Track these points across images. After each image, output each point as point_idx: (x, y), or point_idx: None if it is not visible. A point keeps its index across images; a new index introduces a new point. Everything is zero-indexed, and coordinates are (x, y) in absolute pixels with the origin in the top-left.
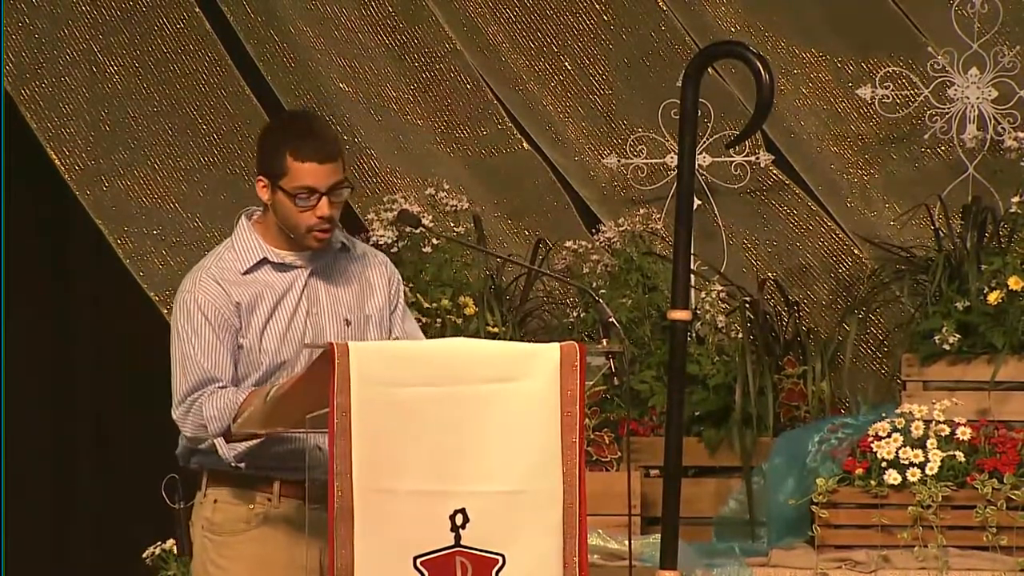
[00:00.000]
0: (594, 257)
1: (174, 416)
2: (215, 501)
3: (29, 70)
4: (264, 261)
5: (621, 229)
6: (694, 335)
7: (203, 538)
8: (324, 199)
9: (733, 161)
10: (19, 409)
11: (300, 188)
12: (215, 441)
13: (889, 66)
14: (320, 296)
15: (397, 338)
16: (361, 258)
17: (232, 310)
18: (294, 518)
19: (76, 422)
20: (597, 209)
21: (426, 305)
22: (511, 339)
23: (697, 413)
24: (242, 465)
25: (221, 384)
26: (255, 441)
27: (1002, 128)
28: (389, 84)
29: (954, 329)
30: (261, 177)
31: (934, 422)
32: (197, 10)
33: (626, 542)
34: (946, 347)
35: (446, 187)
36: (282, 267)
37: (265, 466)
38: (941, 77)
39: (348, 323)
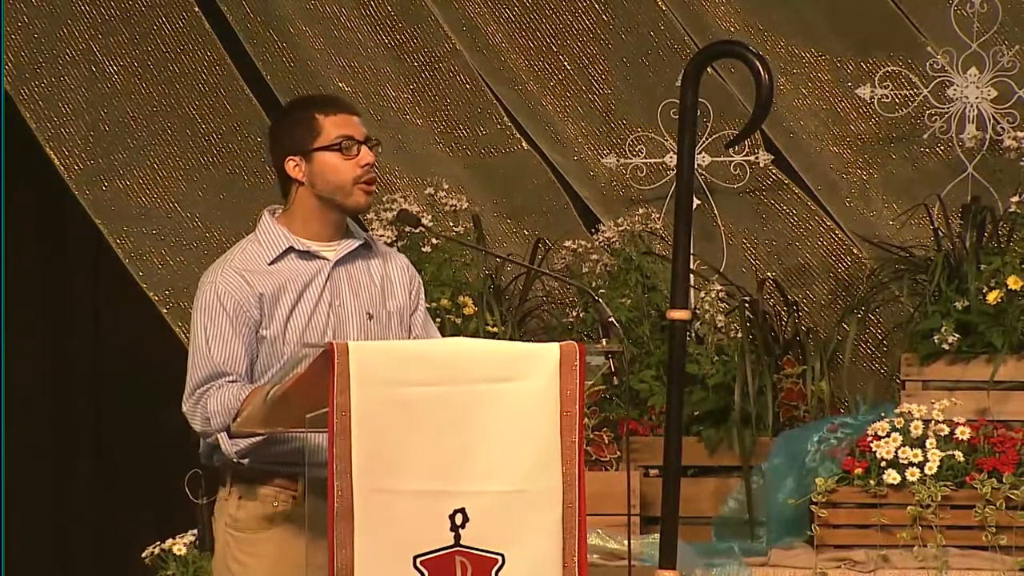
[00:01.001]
0: (593, 257)
1: (184, 409)
2: (240, 498)
3: (28, 70)
4: (290, 250)
5: (620, 229)
6: (693, 335)
7: (226, 535)
8: (364, 147)
9: (732, 161)
10: (19, 409)
11: (341, 136)
12: (218, 436)
13: (888, 66)
14: (343, 288)
15: (417, 338)
16: (383, 256)
17: (254, 302)
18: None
19: (76, 422)
20: (596, 209)
21: (425, 305)
22: (510, 339)
23: (696, 413)
24: (244, 461)
25: (231, 379)
26: (257, 438)
27: (1001, 128)
28: (388, 84)
29: (953, 329)
30: (291, 158)
31: (933, 422)
32: (196, 10)
33: (625, 542)
34: (945, 347)
35: (445, 187)
36: (307, 255)
37: (290, 462)
38: (940, 77)
39: (370, 317)
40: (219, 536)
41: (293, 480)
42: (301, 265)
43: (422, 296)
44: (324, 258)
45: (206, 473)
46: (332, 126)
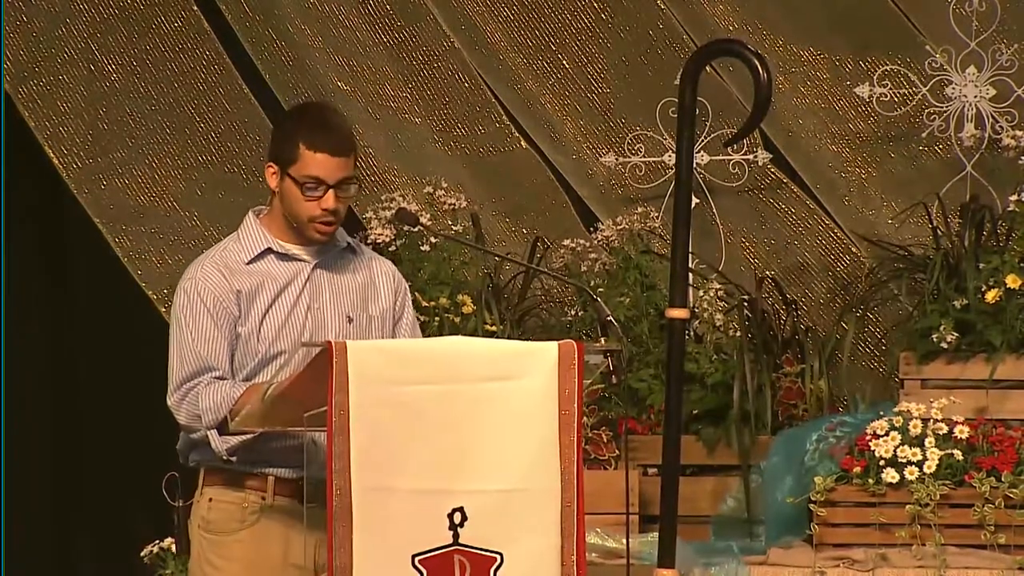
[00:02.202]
0: (592, 255)
1: (169, 403)
2: (211, 500)
3: (27, 69)
4: (268, 251)
5: (619, 227)
6: (692, 333)
7: (200, 537)
8: (331, 192)
9: (731, 159)
10: (18, 408)
11: (309, 178)
12: (208, 433)
13: (887, 64)
14: (323, 291)
15: None
16: (368, 261)
17: (232, 299)
18: (289, 516)
19: (75, 421)
20: (595, 207)
21: (424, 304)
22: (509, 338)
23: (695, 411)
24: (234, 459)
25: (217, 374)
26: (249, 436)
27: (1000, 126)
28: (387, 83)
29: (952, 327)
30: (271, 163)
31: (932, 420)
32: (195, 8)
33: (624, 540)
34: (944, 345)
35: (444, 185)
36: (286, 257)
37: (260, 460)
38: (939, 75)
39: (350, 320)
40: (193, 538)
41: (264, 480)
42: (280, 266)
43: (408, 304)
44: (304, 260)
45: (182, 476)
46: (309, 162)
